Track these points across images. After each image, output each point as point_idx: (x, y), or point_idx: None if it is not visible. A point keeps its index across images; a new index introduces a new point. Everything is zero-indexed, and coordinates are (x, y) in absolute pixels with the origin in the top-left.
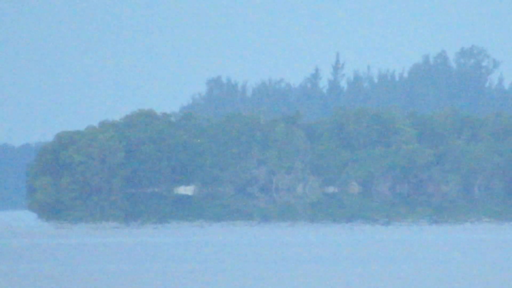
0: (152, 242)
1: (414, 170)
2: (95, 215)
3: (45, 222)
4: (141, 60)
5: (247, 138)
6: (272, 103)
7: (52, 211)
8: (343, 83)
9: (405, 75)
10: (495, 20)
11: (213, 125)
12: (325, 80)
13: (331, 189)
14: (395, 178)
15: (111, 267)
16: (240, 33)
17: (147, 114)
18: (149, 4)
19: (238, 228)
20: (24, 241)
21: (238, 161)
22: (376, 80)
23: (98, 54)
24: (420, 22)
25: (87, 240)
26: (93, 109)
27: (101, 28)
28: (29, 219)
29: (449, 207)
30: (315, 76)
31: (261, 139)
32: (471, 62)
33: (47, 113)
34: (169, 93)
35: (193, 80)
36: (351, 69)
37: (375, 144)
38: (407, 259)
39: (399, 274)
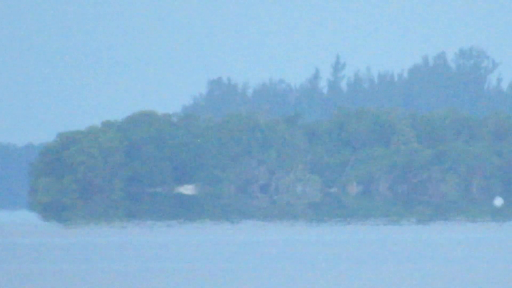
0: (154, 242)
1: (414, 170)
2: (97, 215)
3: (47, 222)
4: (143, 60)
5: (248, 138)
6: (273, 103)
7: (54, 211)
8: (343, 84)
9: (405, 75)
10: (494, 21)
11: (214, 125)
12: (325, 80)
13: (331, 189)
14: (395, 178)
15: (113, 267)
16: (240, 33)
17: (148, 114)
18: (151, 4)
19: (238, 227)
20: (26, 241)
21: (238, 161)
22: (376, 80)
23: (100, 54)
24: (419, 23)
25: (88, 240)
26: (95, 109)
27: (103, 28)
28: (31, 219)
29: (448, 206)
30: (315, 76)
31: (261, 139)
32: (470, 63)
33: (49, 113)
34: (170, 94)
35: (194, 80)
36: (351, 70)
37: (374, 144)
38: (407, 258)
39: (399, 273)
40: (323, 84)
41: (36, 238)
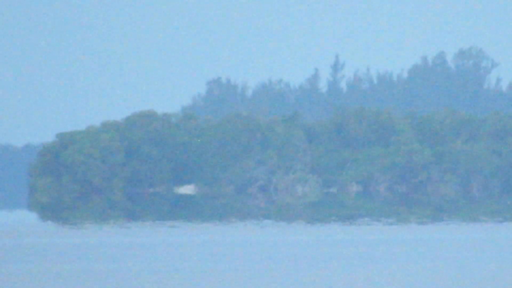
0: (154, 242)
1: (413, 170)
2: (96, 215)
3: (46, 222)
4: (142, 60)
5: (247, 138)
6: (272, 103)
7: (53, 211)
8: (343, 84)
9: (404, 75)
10: (493, 21)
11: (213, 126)
12: (325, 80)
13: (330, 189)
14: (394, 178)
15: (113, 267)
16: (240, 33)
17: (147, 115)
18: (150, 4)
19: (238, 228)
20: (25, 241)
21: (238, 161)
22: (375, 80)
23: (99, 54)
24: (418, 23)
25: (88, 240)
26: (94, 109)
27: (103, 28)
28: (30, 219)
29: (447, 207)
30: (315, 76)
31: (260, 139)
32: (470, 63)
33: (49, 113)
34: (169, 94)
35: (193, 80)
36: (351, 70)
37: (374, 144)
38: (406, 258)
39: (399, 273)
40: (322, 84)
41: (35, 238)
